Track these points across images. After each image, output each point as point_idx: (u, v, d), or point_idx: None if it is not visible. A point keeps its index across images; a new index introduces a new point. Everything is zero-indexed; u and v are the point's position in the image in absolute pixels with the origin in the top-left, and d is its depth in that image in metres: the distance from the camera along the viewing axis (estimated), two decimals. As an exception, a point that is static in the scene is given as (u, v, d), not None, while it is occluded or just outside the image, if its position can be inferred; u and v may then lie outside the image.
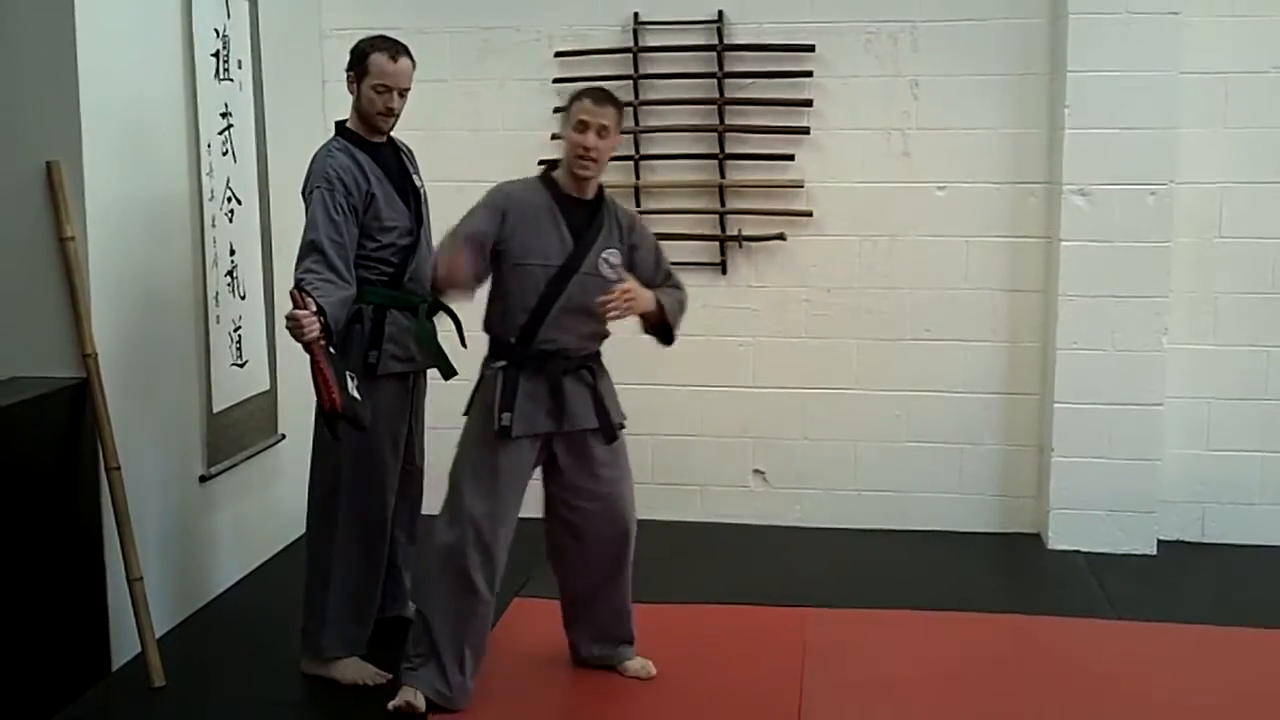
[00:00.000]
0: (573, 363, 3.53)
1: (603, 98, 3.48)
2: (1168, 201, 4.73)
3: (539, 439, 3.53)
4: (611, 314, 3.42)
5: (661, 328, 3.64)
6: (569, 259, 3.46)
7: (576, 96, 3.49)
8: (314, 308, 3.36)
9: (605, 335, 3.60)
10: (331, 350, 3.43)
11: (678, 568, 4.74)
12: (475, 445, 3.52)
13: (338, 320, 3.47)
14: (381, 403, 3.65)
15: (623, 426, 3.63)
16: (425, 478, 4.06)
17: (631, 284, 3.45)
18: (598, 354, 3.63)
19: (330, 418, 3.42)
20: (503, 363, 3.51)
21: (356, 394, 3.47)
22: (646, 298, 3.50)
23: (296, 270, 3.52)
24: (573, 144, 3.45)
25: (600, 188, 3.58)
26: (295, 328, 3.34)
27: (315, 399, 3.45)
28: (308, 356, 3.37)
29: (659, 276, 3.63)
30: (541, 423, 3.49)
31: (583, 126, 3.42)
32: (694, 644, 4.00)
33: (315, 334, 3.34)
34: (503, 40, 5.15)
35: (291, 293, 3.39)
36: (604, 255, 3.50)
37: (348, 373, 3.47)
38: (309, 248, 3.52)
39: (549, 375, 3.48)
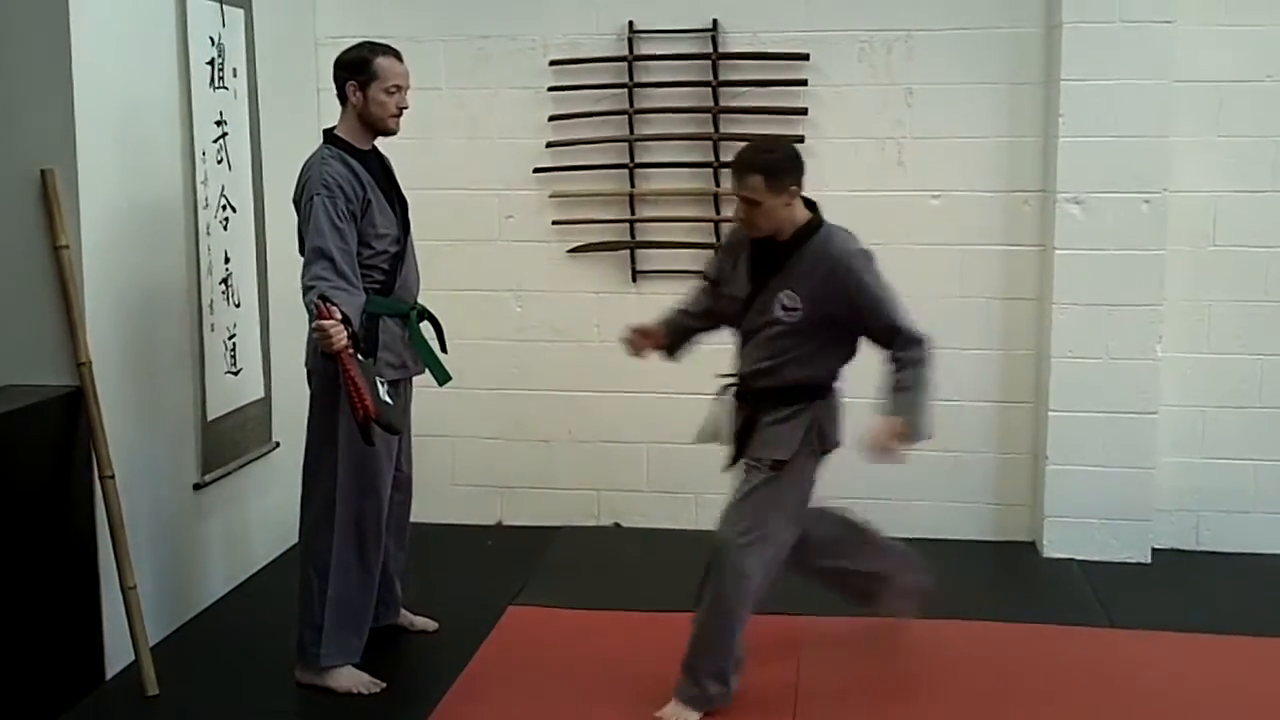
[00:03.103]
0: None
1: (735, 171, 3.51)
2: (1162, 210, 4.74)
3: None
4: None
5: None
6: (747, 296, 3.60)
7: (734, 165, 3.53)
8: (339, 316, 3.37)
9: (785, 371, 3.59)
10: (360, 357, 3.45)
11: (672, 576, 4.73)
12: None
13: (355, 326, 3.47)
14: None
15: (771, 463, 3.60)
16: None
17: (878, 435, 3.50)
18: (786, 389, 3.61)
19: (364, 425, 3.42)
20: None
21: (388, 399, 3.50)
22: (894, 434, 3.49)
23: (304, 277, 3.52)
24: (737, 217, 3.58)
25: (811, 225, 3.56)
26: (323, 338, 3.36)
27: (348, 406, 3.43)
28: (339, 365, 3.38)
29: (875, 326, 3.54)
30: None
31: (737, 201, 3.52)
32: (688, 652, 4.00)
33: (344, 343, 3.37)
34: (497, 49, 5.15)
35: (316, 303, 3.39)
36: (779, 297, 3.53)
37: (377, 378, 3.49)
38: (316, 254, 3.51)
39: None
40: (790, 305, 3.51)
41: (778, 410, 3.59)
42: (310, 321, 3.45)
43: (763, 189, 3.42)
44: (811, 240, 3.53)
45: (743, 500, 3.57)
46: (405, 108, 3.72)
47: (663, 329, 3.83)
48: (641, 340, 3.83)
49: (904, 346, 3.51)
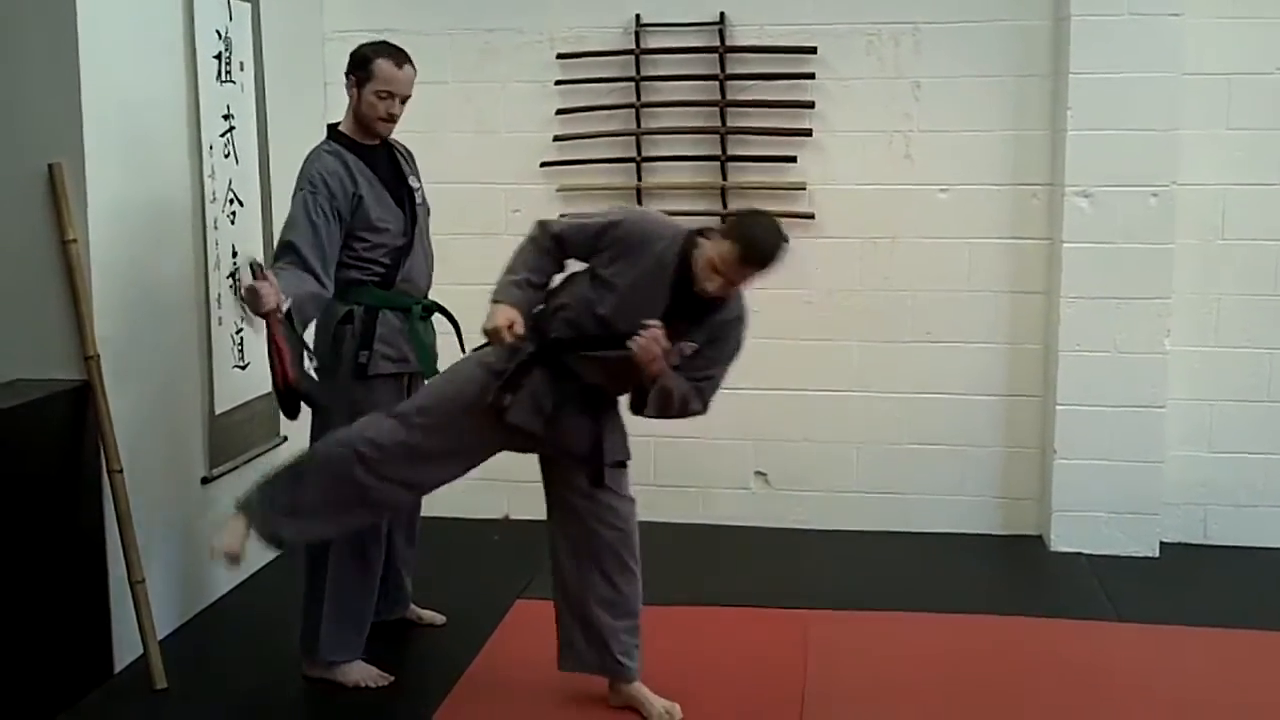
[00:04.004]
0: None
1: (761, 262, 3.15)
2: (1170, 203, 4.73)
3: None
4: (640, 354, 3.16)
5: (644, 393, 3.32)
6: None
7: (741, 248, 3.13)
8: (273, 281, 3.34)
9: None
10: (294, 329, 3.44)
11: (679, 570, 4.74)
12: None
13: (304, 311, 3.47)
14: (375, 403, 3.62)
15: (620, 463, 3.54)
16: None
17: (659, 343, 3.16)
18: None
19: (284, 394, 3.42)
20: None
21: (314, 374, 3.50)
22: (663, 365, 3.21)
23: (271, 268, 3.54)
24: (705, 281, 3.18)
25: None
26: (253, 298, 3.32)
27: (271, 376, 3.44)
28: (267, 329, 3.37)
29: (693, 373, 3.32)
30: None
31: (715, 271, 3.15)
32: (695, 646, 4.01)
33: (272, 305, 3.32)
34: (504, 42, 5.14)
35: (250, 265, 3.39)
36: (682, 346, 3.26)
37: (305, 351, 3.49)
38: (285, 248, 3.54)
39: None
40: (686, 354, 3.28)
41: (609, 409, 3.47)
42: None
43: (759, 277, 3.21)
44: (731, 299, 3.31)
45: (622, 499, 3.52)
46: (394, 114, 3.68)
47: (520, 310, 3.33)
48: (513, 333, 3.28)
49: (699, 395, 3.37)
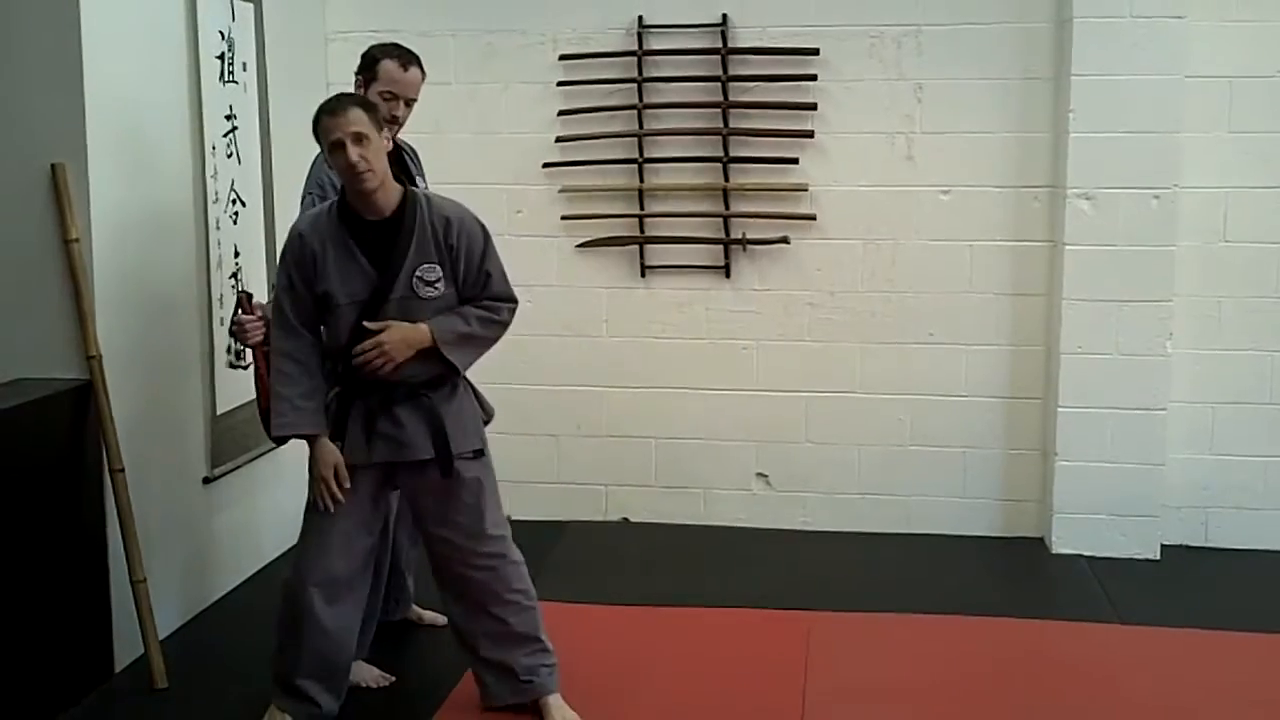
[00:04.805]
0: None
1: (337, 106, 3.17)
2: (1172, 205, 4.73)
3: None
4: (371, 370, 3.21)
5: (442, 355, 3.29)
6: (376, 287, 3.24)
7: (317, 116, 3.20)
8: (259, 313, 3.41)
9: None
10: None
11: (680, 570, 4.74)
12: None
13: None
14: None
15: (473, 453, 3.41)
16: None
17: (386, 335, 3.21)
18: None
19: (266, 417, 3.45)
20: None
21: None
22: (403, 345, 3.22)
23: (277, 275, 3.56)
24: (341, 168, 3.16)
25: (405, 195, 3.28)
26: (240, 332, 3.41)
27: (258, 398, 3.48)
28: (254, 358, 3.45)
29: (476, 289, 3.33)
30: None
31: (338, 145, 3.13)
32: (696, 647, 4.00)
33: (259, 338, 3.40)
34: (507, 43, 5.15)
35: (239, 296, 3.42)
36: (417, 275, 3.25)
37: None
38: None
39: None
40: (433, 279, 3.25)
41: (448, 399, 3.35)
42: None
43: (366, 122, 3.13)
44: (416, 207, 3.26)
45: (480, 498, 3.40)
46: (397, 116, 3.67)
47: (330, 447, 3.31)
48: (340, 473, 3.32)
49: (494, 299, 3.36)
